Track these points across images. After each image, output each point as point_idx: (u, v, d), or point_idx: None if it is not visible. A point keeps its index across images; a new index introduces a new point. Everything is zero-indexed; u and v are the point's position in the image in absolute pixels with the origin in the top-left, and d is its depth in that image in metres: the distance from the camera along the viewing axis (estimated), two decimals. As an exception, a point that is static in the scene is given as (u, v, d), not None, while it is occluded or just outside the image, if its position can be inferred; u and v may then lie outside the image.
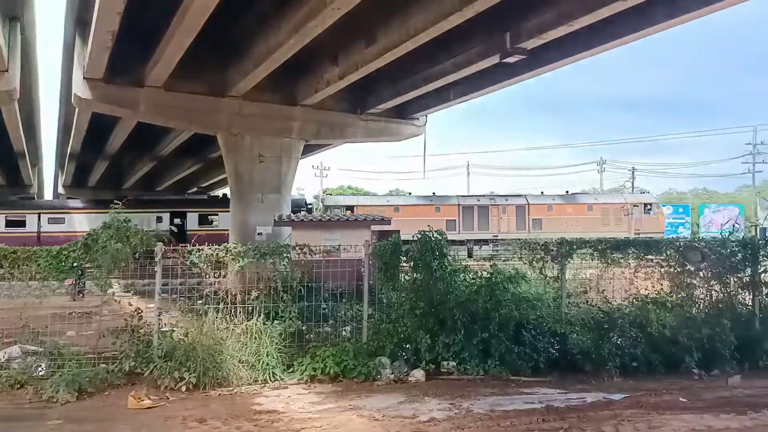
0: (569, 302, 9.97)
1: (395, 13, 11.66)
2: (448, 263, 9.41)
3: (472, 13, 10.36)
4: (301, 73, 15.93)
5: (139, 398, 7.34)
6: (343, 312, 10.07)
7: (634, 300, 9.67)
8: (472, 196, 36.69)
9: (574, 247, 9.81)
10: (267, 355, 8.38)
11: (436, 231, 9.46)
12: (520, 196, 34.61)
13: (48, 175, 43.33)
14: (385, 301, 9.69)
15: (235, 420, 6.71)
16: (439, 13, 10.63)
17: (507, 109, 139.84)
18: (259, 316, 8.78)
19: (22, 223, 30.32)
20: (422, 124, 20.70)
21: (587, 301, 9.95)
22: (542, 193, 35.56)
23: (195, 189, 40.16)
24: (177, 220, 32.30)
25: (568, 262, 9.83)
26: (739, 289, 10.01)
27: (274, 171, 17.86)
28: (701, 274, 9.95)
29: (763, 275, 10.18)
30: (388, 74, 15.52)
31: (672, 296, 9.78)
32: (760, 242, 10.14)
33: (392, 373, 8.48)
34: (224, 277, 9.63)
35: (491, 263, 9.87)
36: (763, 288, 10.10)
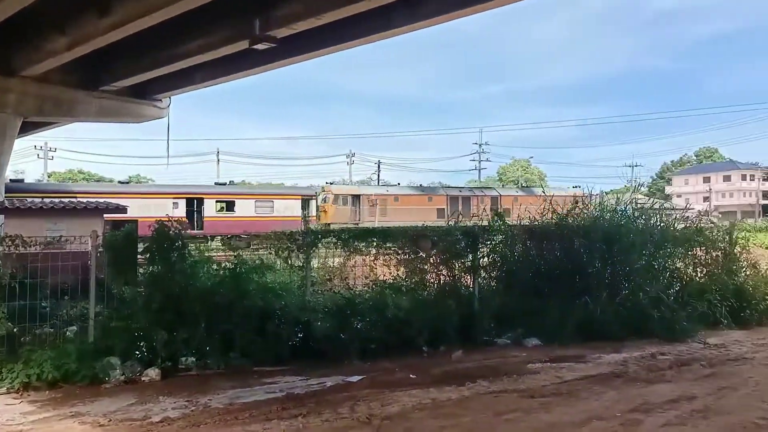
0: (315, 290, 10.16)
1: (134, -17, 10.75)
2: (189, 254, 8.94)
3: (215, -6, 9.97)
4: (19, 39, 13.88)
5: None
6: (66, 311, 9.00)
7: (374, 286, 10.19)
8: (454, 187, 43.29)
9: (319, 236, 10.02)
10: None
11: (175, 221, 8.95)
12: (492, 188, 43.60)
13: None
14: (117, 296, 8.88)
15: None
16: (181, -11, 10.04)
17: (263, 98, 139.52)
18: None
19: None
20: (165, 106, 19.42)
21: (331, 289, 10.23)
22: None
23: None
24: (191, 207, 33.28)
25: (314, 251, 10.00)
26: (463, 273, 11.11)
27: (-16, 149, 15.40)
28: (431, 260, 10.85)
29: (481, 260, 11.45)
30: (129, 50, 14.32)
31: (407, 281, 10.50)
32: (479, 231, 11.32)
33: (123, 374, 7.76)
34: None
35: (236, 253, 9.61)
36: (482, 271, 11.37)
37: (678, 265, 12.69)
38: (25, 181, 38.76)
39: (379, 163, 67.16)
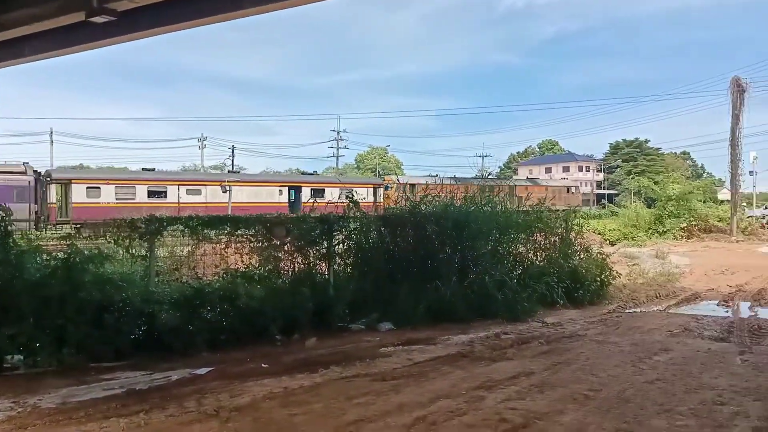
0: (161, 280, 9.61)
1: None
2: (14, 243, 8.08)
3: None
4: None
5: None
6: None
7: (225, 275, 9.83)
8: (482, 177, 50.83)
9: (165, 223, 9.47)
10: None
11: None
12: (508, 178, 55.17)
13: None
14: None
15: None
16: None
17: (105, 76, 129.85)
18: None
19: None
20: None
21: (178, 279, 9.73)
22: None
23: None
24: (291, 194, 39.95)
25: (158, 239, 9.45)
26: (318, 261, 11.04)
27: None
28: (286, 248, 10.66)
29: (337, 248, 11.46)
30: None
31: (260, 269, 10.24)
32: (334, 219, 11.30)
33: (-67, 379, 6.89)
34: None
35: (68, 242, 8.82)
36: (337, 259, 11.37)
37: (521, 250, 13.52)
38: None
39: (233, 148, 65.58)
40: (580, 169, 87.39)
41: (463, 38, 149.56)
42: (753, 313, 12.27)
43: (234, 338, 8.90)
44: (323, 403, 6.32)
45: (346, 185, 41.54)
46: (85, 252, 8.53)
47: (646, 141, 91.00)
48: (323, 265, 11.15)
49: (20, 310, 7.52)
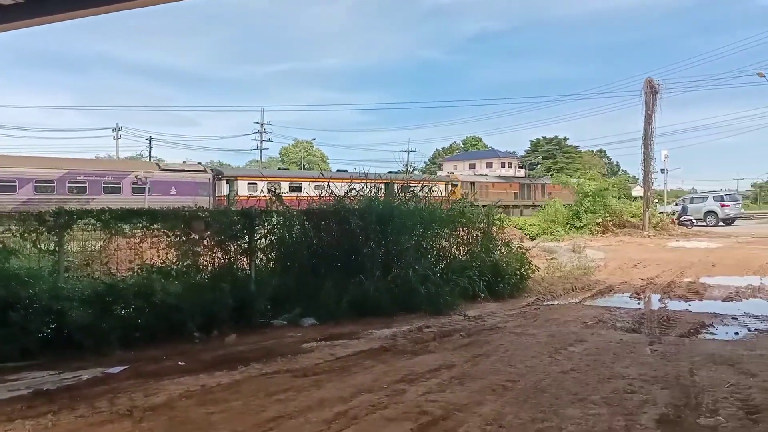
0: (71, 276, 9.16)
1: None
2: None
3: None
4: None
5: None
6: None
7: (140, 270, 9.47)
8: (523, 177, 67.15)
9: (75, 217, 9.01)
10: None
11: None
12: (543, 177, 64.74)
13: None
14: None
15: None
16: None
17: (6, 62, 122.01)
18: None
19: None
20: None
21: (89, 275, 9.29)
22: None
23: None
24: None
25: (68, 233, 8.99)
26: (239, 255, 10.82)
27: None
28: (205, 242, 10.38)
29: (259, 242, 11.26)
30: None
31: (177, 264, 9.92)
32: (256, 213, 11.09)
33: None
34: None
35: None
36: (259, 253, 11.17)
37: (444, 244, 13.70)
38: None
39: (150, 139, 63.45)
40: (503, 165, 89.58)
41: (392, 33, 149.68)
42: (663, 305, 12.86)
43: (149, 336, 8.60)
44: (242, 400, 6.19)
45: (427, 182, 41.93)
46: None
47: (565, 139, 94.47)
48: (245, 260, 10.94)
49: None
